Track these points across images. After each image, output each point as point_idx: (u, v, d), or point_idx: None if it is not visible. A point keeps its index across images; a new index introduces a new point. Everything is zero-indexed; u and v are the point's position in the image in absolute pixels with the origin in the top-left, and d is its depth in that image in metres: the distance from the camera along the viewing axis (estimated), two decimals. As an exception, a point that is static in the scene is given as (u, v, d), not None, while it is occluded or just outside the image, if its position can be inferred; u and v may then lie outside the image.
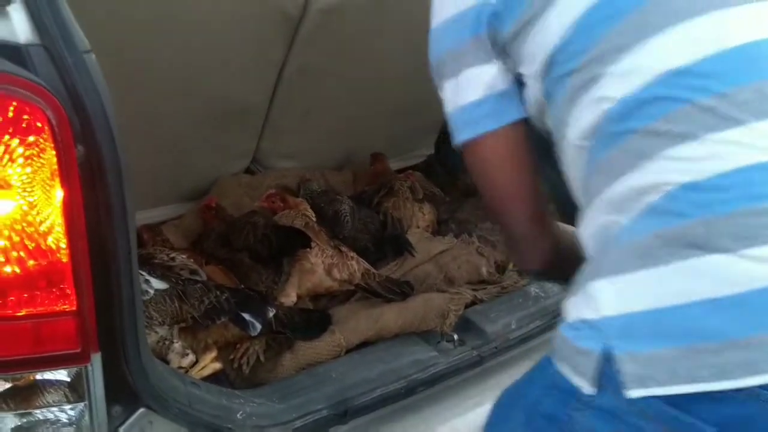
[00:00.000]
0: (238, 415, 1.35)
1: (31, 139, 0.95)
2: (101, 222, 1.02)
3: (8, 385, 1.06)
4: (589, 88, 0.93)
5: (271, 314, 1.62)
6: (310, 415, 1.43)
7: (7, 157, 0.95)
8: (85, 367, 1.05)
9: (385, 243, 2.15)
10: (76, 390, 1.08)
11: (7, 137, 0.94)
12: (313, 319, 1.75)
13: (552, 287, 1.95)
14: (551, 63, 0.98)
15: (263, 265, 1.92)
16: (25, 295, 0.99)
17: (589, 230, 0.98)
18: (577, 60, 0.95)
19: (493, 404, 1.16)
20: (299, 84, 2.14)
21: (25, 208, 0.97)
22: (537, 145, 1.11)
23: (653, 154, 0.88)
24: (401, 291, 1.86)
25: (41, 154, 0.96)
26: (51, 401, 1.08)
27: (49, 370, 1.06)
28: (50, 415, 1.10)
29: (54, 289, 1.00)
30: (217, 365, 1.60)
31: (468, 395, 1.69)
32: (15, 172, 0.96)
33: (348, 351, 1.69)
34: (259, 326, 1.59)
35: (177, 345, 1.57)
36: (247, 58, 1.95)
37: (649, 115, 0.89)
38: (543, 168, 1.13)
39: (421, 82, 2.36)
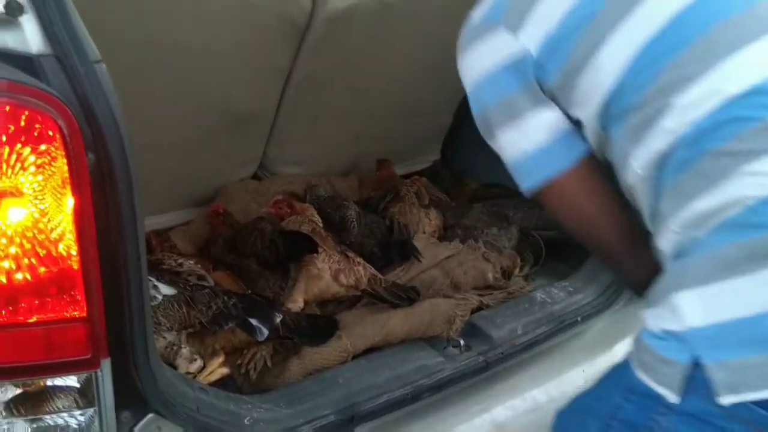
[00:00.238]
0: (245, 421, 1.35)
1: (43, 147, 0.96)
2: (111, 229, 1.03)
3: (19, 391, 1.07)
4: (653, 121, 0.97)
5: (278, 320, 1.63)
6: (317, 420, 1.43)
7: (18, 165, 0.96)
8: (95, 372, 1.06)
9: (392, 248, 2.16)
10: (85, 396, 1.09)
11: (19, 146, 0.95)
12: (320, 324, 1.75)
13: (558, 293, 1.95)
14: (608, 102, 1.03)
15: (270, 271, 1.93)
16: (36, 302, 1.00)
17: (664, 246, 1.01)
18: (637, 95, 0.99)
19: (556, 418, 1.20)
20: (306, 91, 2.15)
21: (37, 215, 0.99)
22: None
23: (729, 172, 0.91)
24: (407, 296, 1.86)
25: (52, 163, 0.97)
26: (61, 407, 1.09)
27: (60, 376, 1.07)
28: (60, 421, 1.11)
29: (65, 296, 1.01)
30: (225, 370, 1.61)
31: (474, 401, 1.69)
32: (27, 180, 0.97)
33: (355, 356, 1.69)
34: (266, 331, 1.59)
35: (185, 350, 1.58)
36: (254, 66, 1.97)
37: (719, 137, 0.93)
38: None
39: (426, 88, 2.40)
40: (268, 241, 1.95)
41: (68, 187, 0.98)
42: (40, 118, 0.95)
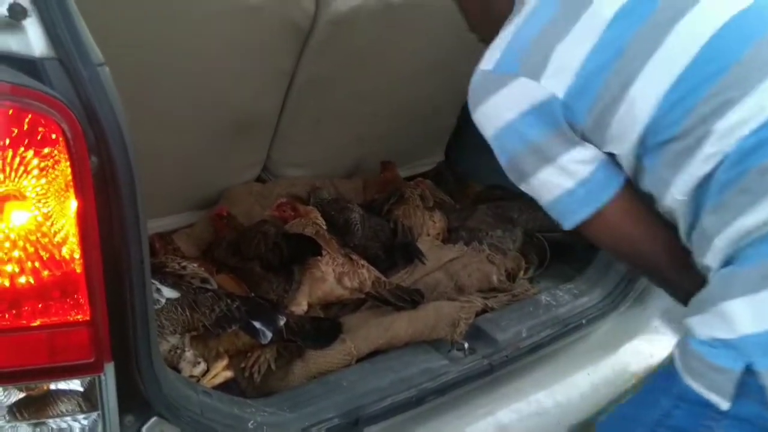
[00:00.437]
0: (249, 424, 1.35)
1: (46, 150, 0.96)
2: (114, 232, 1.03)
3: (22, 395, 1.07)
4: (694, 148, 1.00)
5: (281, 322, 1.63)
6: (321, 423, 1.43)
7: (22, 168, 0.96)
8: (99, 376, 1.06)
9: (396, 251, 2.15)
10: (89, 399, 1.09)
11: (22, 149, 0.95)
12: (323, 327, 1.75)
13: (563, 296, 1.94)
14: (644, 136, 1.04)
15: (274, 274, 1.92)
16: (40, 306, 1.00)
17: (709, 261, 1.03)
18: (675, 127, 1.01)
19: (599, 428, 1.25)
20: (309, 94, 2.15)
21: (40, 219, 0.99)
22: None
23: None
24: (411, 299, 1.86)
25: (56, 166, 0.97)
26: (65, 411, 1.09)
27: (63, 380, 1.07)
28: (64, 425, 1.10)
29: (68, 300, 1.01)
30: (229, 373, 1.61)
31: (479, 404, 1.68)
32: (30, 184, 0.97)
33: (359, 360, 1.69)
34: (269, 334, 1.59)
35: (188, 354, 1.58)
36: (258, 69, 1.97)
37: (763, 154, 0.96)
38: None
39: (430, 90, 2.40)
40: (272, 244, 1.95)
41: (71, 191, 0.98)
42: (43, 121, 0.95)
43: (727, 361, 0.95)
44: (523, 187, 1.19)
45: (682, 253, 1.11)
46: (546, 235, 2.20)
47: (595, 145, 1.11)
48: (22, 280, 0.99)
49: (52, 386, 1.08)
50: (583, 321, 1.85)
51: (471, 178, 2.70)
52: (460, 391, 1.65)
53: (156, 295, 1.54)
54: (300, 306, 1.82)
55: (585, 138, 1.10)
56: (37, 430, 1.09)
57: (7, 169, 0.95)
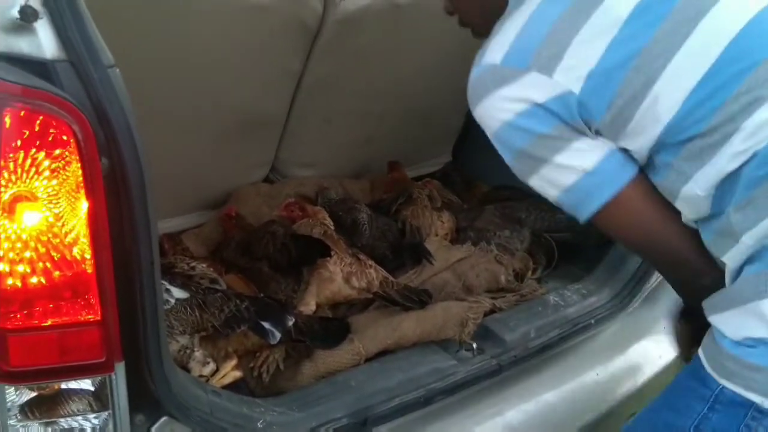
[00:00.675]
0: (258, 424, 1.36)
1: (57, 152, 0.97)
2: (125, 233, 1.04)
3: (34, 395, 1.08)
4: (720, 145, 1.00)
5: (290, 323, 1.63)
6: (329, 423, 1.43)
7: (33, 169, 0.97)
8: (109, 376, 1.06)
9: (404, 251, 2.15)
10: (100, 399, 1.09)
11: (33, 150, 0.96)
12: (332, 327, 1.75)
13: (571, 296, 1.94)
14: (665, 134, 1.03)
15: (282, 274, 1.93)
16: (51, 306, 1.01)
17: (733, 256, 1.02)
18: (701, 125, 1.00)
19: None
20: (317, 94, 2.15)
21: (51, 219, 0.99)
22: None
23: None
24: (420, 299, 1.86)
25: (67, 167, 0.98)
26: (76, 410, 1.10)
27: (74, 380, 1.07)
28: (75, 424, 1.11)
29: (79, 300, 1.02)
30: (238, 373, 1.61)
31: (487, 404, 1.68)
32: (41, 185, 0.98)
33: (367, 360, 1.69)
34: (278, 334, 1.60)
35: (198, 354, 1.58)
36: (266, 69, 1.97)
37: None
38: None
39: (438, 90, 2.39)
40: (280, 245, 1.95)
41: (82, 192, 0.99)
42: (54, 123, 0.95)
43: (765, 360, 0.95)
44: (532, 182, 1.15)
45: (699, 239, 1.10)
46: (554, 235, 2.19)
47: (609, 140, 1.09)
48: (34, 280, 1.00)
49: (63, 386, 1.09)
50: (592, 321, 1.85)
51: (478, 178, 2.70)
52: (469, 391, 1.65)
53: (165, 296, 1.54)
54: (308, 306, 1.82)
55: (598, 133, 1.09)
56: (49, 429, 1.10)
57: (19, 170, 0.96)
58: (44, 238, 1.00)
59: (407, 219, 2.26)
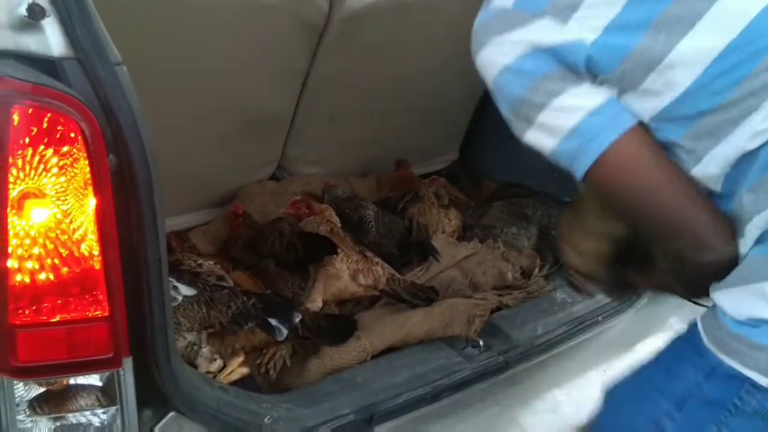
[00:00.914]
0: (265, 420, 1.36)
1: (65, 149, 0.98)
2: (132, 230, 1.05)
3: (42, 390, 1.09)
4: (739, 122, 0.96)
5: (297, 319, 1.64)
6: (336, 420, 1.44)
7: (41, 166, 0.98)
8: (117, 371, 1.07)
9: (410, 248, 2.16)
10: (108, 394, 1.10)
11: (41, 147, 0.97)
12: (338, 324, 1.76)
13: (578, 292, 1.94)
14: (677, 103, 0.99)
15: (289, 271, 1.94)
16: (59, 302, 1.02)
17: (744, 244, 1.00)
18: (718, 98, 0.96)
19: (611, 394, 1.18)
20: (324, 92, 2.16)
21: (59, 216, 1.00)
22: None
23: None
24: (426, 296, 1.86)
25: (75, 164, 0.99)
26: (83, 405, 1.10)
27: (82, 375, 1.08)
28: (83, 419, 1.12)
29: (87, 296, 1.02)
30: (245, 370, 1.62)
31: (493, 401, 1.68)
32: (49, 182, 0.99)
33: (374, 356, 1.69)
34: (285, 331, 1.60)
35: (205, 350, 1.59)
36: (273, 67, 1.98)
37: None
38: None
39: (445, 88, 2.39)
40: (287, 242, 1.96)
41: (90, 189, 0.99)
42: (62, 120, 0.96)
43: (767, 339, 0.94)
44: (529, 135, 1.06)
45: (707, 203, 1.05)
46: (561, 232, 2.19)
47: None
48: (42, 276, 1.00)
49: (72, 381, 1.10)
50: (599, 318, 1.84)
51: (485, 175, 2.70)
52: (475, 388, 1.65)
53: (173, 293, 1.55)
54: (315, 303, 1.83)
55: (602, 84, 1.03)
56: (57, 424, 1.11)
57: (27, 167, 0.97)
58: (52, 235, 1.00)
59: (414, 217, 2.26)
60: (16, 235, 0.98)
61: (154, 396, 1.15)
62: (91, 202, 1.00)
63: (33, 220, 0.99)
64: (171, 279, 1.55)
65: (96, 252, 1.01)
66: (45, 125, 0.96)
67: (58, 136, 0.97)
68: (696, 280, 1.08)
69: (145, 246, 1.07)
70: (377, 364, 1.66)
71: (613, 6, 1.00)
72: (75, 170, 0.99)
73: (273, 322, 1.61)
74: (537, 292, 1.98)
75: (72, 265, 1.01)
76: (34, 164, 0.97)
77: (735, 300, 0.99)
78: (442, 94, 2.42)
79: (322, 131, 2.33)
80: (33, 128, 0.95)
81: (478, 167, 2.75)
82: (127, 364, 1.07)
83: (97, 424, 1.12)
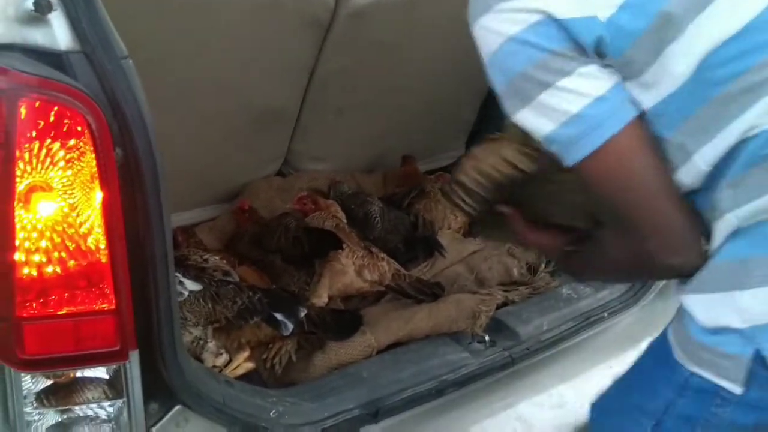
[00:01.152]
0: (271, 414, 1.37)
1: (72, 142, 0.98)
2: (139, 223, 1.05)
3: (50, 382, 1.10)
4: (732, 118, 0.93)
5: (302, 314, 1.64)
6: (341, 414, 1.44)
7: (48, 160, 0.98)
8: (124, 364, 1.07)
9: (416, 244, 2.16)
10: (114, 387, 1.11)
11: (48, 141, 0.97)
12: (344, 319, 1.76)
13: (584, 289, 1.93)
14: (675, 96, 0.97)
15: (295, 267, 1.94)
16: (66, 295, 1.02)
17: (716, 240, 0.98)
18: (714, 91, 0.93)
19: (597, 415, 1.20)
20: (330, 88, 2.16)
21: (66, 209, 1.00)
22: None
23: None
24: (432, 292, 1.86)
25: (81, 158, 0.99)
26: (90, 398, 1.11)
27: (89, 368, 1.09)
28: (90, 412, 1.13)
29: (93, 289, 1.03)
30: (250, 365, 1.62)
31: (499, 396, 1.68)
32: (56, 175, 0.99)
33: (379, 351, 1.69)
34: (291, 326, 1.61)
35: (211, 345, 1.60)
36: (279, 62, 1.98)
37: None
38: None
39: (451, 84, 2.39)
40: (293, 237, 1.96)
41: (97, 182, 1.00)
42: (69, 113, 0.96)
43: (738, 348, 0.93)
44: (523, 114, 0.99)
45: (687, 209, 1.02)
46: (567, 228, 2.18)
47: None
48: (49, 269, 1.01)
49: (79, 374, 1.10)
50: (605, 314, 1.84)
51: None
52: (481, 383, 1.65)
53: (179, 288, 1.55)
54: (321, 298, 1.83)
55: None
56: (64, 416, 1.12)
57: (34, 160, 0.97)
58: (59, 228, 1.01)
59: (420, 213, 2.26)
60: (24, 228, 0.98)
61: (160, 389, 1.16)
62: (98, 195, 1.00)
63: (40, 214, 0.99)
64: (177, 274, 1.56)
65: (102, 245, 1.02)
66: (52, 119, 0.96)
67: (64, 129, 0.97)
68: (629, 273, 1.07)
69: (152, 239, 1.07)
70: (383, 359, 1.66)
71: None
72: (82, 164, 0.99)
73: (279, 316, 1.61)
74: (543, 288, 1.98)
75: (79, 258, 1.02)
76: (41, 158, 0.97)
77: (706, 307, 0.98)
78: (447, 90, 2.41)
79: (328, 127, 2.33)
80: (40, 122, 0.96)
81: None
82: (134, 357, 1.07)
83: (103, 417, 1.13)
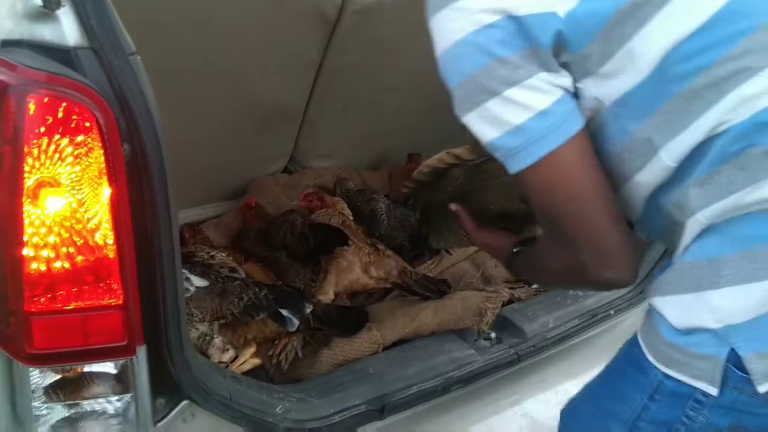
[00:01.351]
0: (277, 409, 1.37)
1: (80, 138, 0.98)
2: (146, 219, 1.05)
3: (58, 377, 1.10)
4: (698, 114, 0.91)
5: (308, 310, 1.64)
6: (347, 410, 1.45)
7: (57, 156, 0.98)
8: (131, 359, 1.08)
9: (422, 241, 2.15)
10: (122, 382, 1.11)
11: (57, 137, 0.97)
12: (350, 316, 1.76)
13: (590, 286, 1.93)
14: (634, 91, 0.95)
15: (301, 263, 1.94)
16: (74, 290, 1.02)
17: (685, 238, 0.97)
18: (678, 86, 0.91)
19: (568, 419, 1.18)
20: (336, 84, 2.16)
21: (74, 205, 1.01)
22: None
23: None
24: (438, 289, 1.86)
25: (89, 153, 0.99)
26: (98, 393, 1.11)
27: (97, 362, 1.09)
28: (97, 407, 1.13)
29: (101, 284, 1.03)
30: (257, 360, 1.63)
31: (505, 393, 1.68)
32: (65, 171, 0.99)
33: (385, 348, 1.70)
34: (297, 322, 1.61)
35: (217, 341, 1.60)
36: (285, 59, 1.98)
37: None
38: None
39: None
40: (299, 234, 1.96)
41: (104, 178, 1.00)
42: (77, 109, 0.97)
43: (711, 349, 0.92)
44: (469, 118, 0.99)
45: (624, 225, 1.01)
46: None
47: (571, 77, 0.97)
48: (58, 264, 1.01)
49: (86, 368, 1.10)
50: (611, 312, 1.84)
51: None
52: (487, 380, 1.65)
53: (185, 284, 1.56)
54: (327, 295, 1.83)
55: (564, 67, 0.97)
56: (72, 411, 1.12)
57: (43, 156, 0.97)
58: (67, 224, 1.01)
59: (426, 209, 2.26)
60: (32, 223, 0.99)
61: (167, 384, 1.16)
62: (106, 191, 1.00)
63: (48, 209, 0.99)
64: (184, 270, 1.56)
65: (110, 241, 1.02)
66: (60, 114, 0.96)
67: (73, 125, 0.97)
68: (565, 284, 1.05)
69: (159, 235, 1.07)
70: (389, 356, 1.66)
71: None
72: (90, 159, 0.99)
73: (285, 312, 1.62)
74: (549, 286, 1.98)
75: (86, 253, 1.02)
76: (50, 153, 0.98)
77: (678, 308, 0.96)
78: (454, 87, 2.40)
79: (334, 124, 2.33)
80: (48, 117, 0.96)
81: (491, 161, 2.74)
82: (141, 352, 1.08)
83: (111, 412, 1.13)
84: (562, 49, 0.94)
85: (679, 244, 0.99)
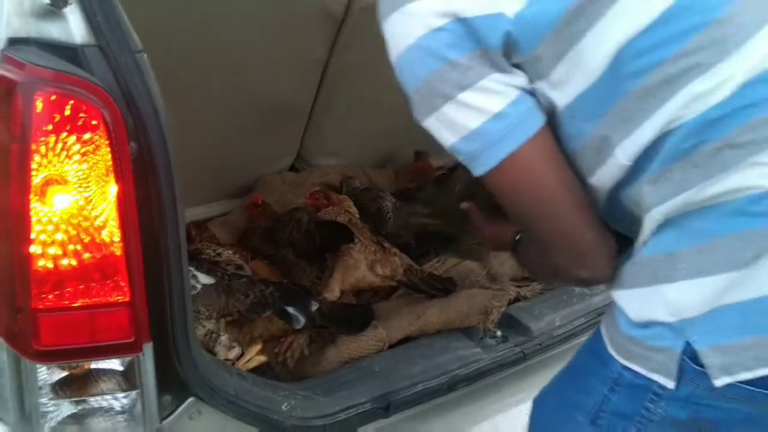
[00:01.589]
0: (283, 407, 1.37)
1: (87, 136, 0.99)
2: (153, 216, 1.06)
3: (65, 374, 1.11)
4: (651, 111, 0.90)
5: (314, 308, 1.64)
6: (353, 408, 1.45)
7: (64, 153, 0.99)
8: (138, 356, 1.08)
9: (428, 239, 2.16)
10: (128, 379, 1.12)
11: (64, 134, 0.98)
12: (355, 313, 1.76)
13: (597, 284, 1.92)
14: (592, 90, 0.94)
15: (307, 261, 1.94)
16: (81, 287, 1.03)
17: (642, 235, 0.97)
18: (630, 84, 0.90)
19: (537, 409, 1.18)
20: (343, 82, 2.16)
21: (81, 202, 1.01)
22: None
23: (731, 164, 0.87)
24: (444, 287, 1.86)
25: (96, 151, 1.00)
26: (105, 389, 1.12)
27: (104, 359, 1.10)
28: (104, 403, 1.14)
29: (108, 281, 1.04)
30: (263, 358, 1.63)
31: (510, 392, 1.68)
32: (72, 168, 1.00)
33: (391, 346, 1.70)
34: (303, 320, 1.61)
35: (224, 338, 1.60)
36: (291, 57, 1.98)
37: (725, 128, 0.87)
38: None
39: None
40: (305, 232, 1.97)
41: (111, 175, 1.00)
42: (84, 107, 0.97)
43: (668, 342, 0.92)
44: (428, 123, 0.97)
45: (594, 212, 1.01)
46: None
47: (525, 77, 0.96)
48: (65, 262, 1.02)
49: (93, 365, 1.11)
50: (618, 310, 1.83)
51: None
52: (492, 378, 1.65)
53: (192, 281, 1.56)
54: (332, 292, 1.84)
55: (517, 67, 0.95)
56: (79, 407, 1.13)
57: (50, 154, 0.98)
58: (74, 221, 1.01)
59: (432, 207, 2.26)
60: (39, 221, 0.99)
61: (173, 381, 1.16)
62: (113, 188, 1.01)
63: (55, 207, 1.00)
64: (190, 268, 1.57)
65: (117, 238, 1.03)
66: (67, 112, 0.97)
67: (80, 123, 0.98)
68: (554, 279, 1.06)
69: (165, 233, 1.08)
70: (394, 354, 1.66)
71: None
72: (97, 157, 1.00)
73: (291, 310, 1.62)
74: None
75: (93, 251, 1.03)
76: (57, 151, 0.98)
77: (635, 301, 0.96)
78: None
79: (340, 122, 2.33)
80: (56, 115, 0.97)
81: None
82: (148, 349, 1.08)
83: (117, 408, 1.14)
84: (513, 51, 0.93)
85: (638, 238, 0.99)
